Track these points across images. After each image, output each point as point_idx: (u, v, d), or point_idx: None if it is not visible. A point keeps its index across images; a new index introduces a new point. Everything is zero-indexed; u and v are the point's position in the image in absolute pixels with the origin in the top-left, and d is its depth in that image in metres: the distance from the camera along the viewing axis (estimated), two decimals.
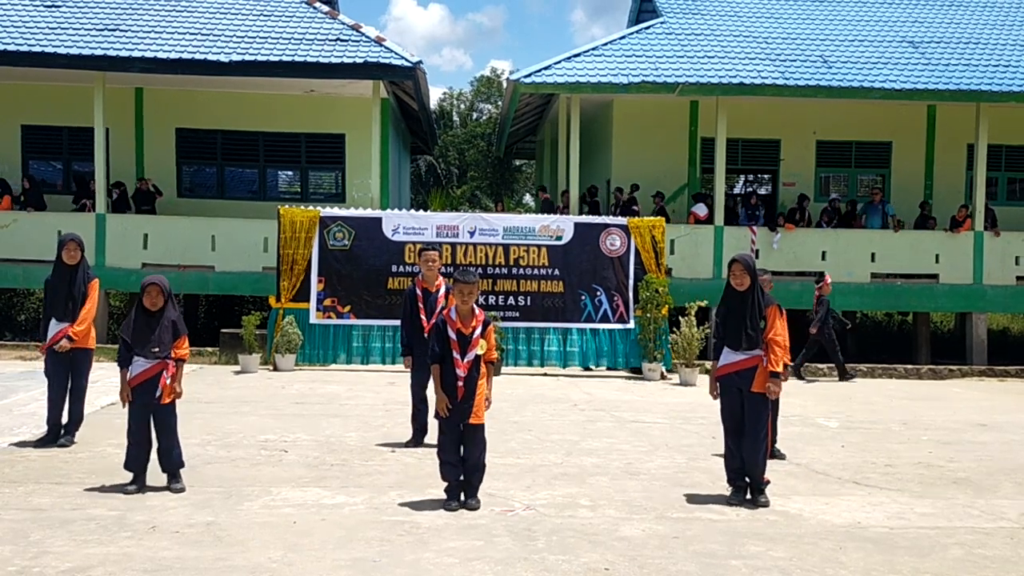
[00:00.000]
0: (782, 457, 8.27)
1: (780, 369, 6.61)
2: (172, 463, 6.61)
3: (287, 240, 14.42)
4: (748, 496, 6.66)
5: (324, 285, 14.46)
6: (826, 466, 8.08)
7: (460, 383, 6.26)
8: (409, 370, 8.39)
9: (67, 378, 8.09)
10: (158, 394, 6.53)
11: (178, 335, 6.65)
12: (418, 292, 8.33)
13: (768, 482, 6.73)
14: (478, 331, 6.35)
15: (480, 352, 6.33)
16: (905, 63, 18.06)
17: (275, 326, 14.14)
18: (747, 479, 6.68)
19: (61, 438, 8.01)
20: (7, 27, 17.01)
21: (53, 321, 8.04)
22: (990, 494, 7.20)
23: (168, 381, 6.56)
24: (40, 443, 7.98)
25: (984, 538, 5.93)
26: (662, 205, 17.87)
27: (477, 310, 6.45)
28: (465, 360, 6.29)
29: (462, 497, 6.31)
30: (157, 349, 6.52)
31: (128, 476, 6.58)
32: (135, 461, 6.56)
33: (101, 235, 16.86)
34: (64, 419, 8.12)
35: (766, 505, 6.55)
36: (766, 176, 21.55)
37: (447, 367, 6.31)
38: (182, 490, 6.50)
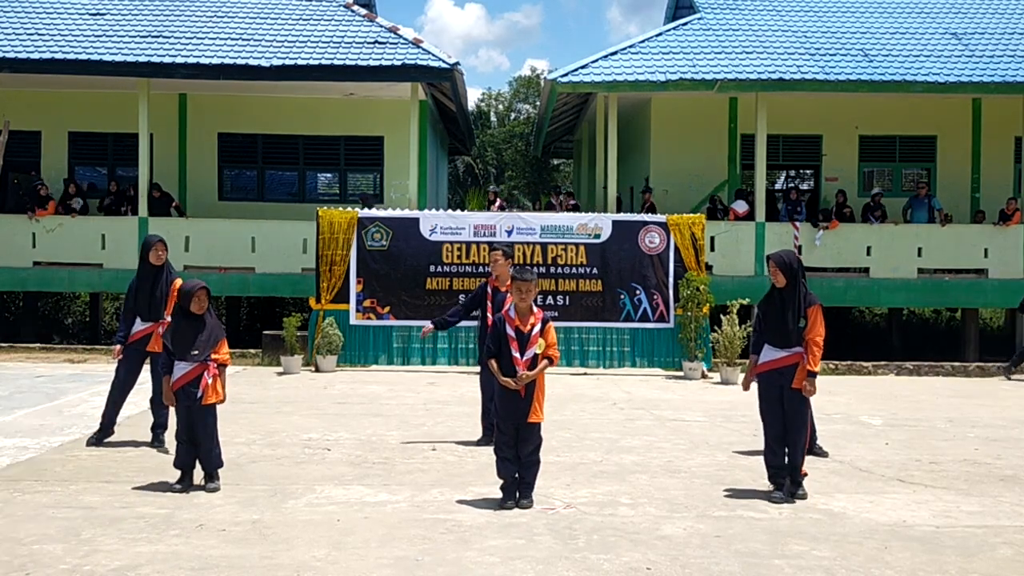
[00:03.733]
0: (824, 455, 8.20)
1: (818, 369, 6.63)
2: (210, 463, 6.71)
3: (326, 241, 14.53)
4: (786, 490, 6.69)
5: (363, 286, 14.56)
6: (870, 464, 7.98)
7: None
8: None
9: (135, 381, 8.29)
10: (199, 395, 6.63)
11: (218, 339, 6.75)
12: (488, 291, 8.37)
13: (806, 475, 6.75)
14: (536, 328, 6.38)
15: (538, 350, 6.37)
16: (948, 55, 17.75)
17: (316, 328, 14.28)
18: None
19: (153, 443, 8.14)
20: (54, 35, 17.39)
21: (138, 320, 8.20)
22: None
23: (209, 381, 6.65)
24: (93, 440, 8.14)
25: None
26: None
27: (536, 308, 6.48)
28: (524, 358, 6.32)
29: (517, 495, 6.35)
30: (197, 352, 6.64)
31: (177, 474, 6.72)
32: (182, 460, 6.70)
33: (143, 238, 17.11)
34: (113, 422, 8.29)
35: (803, 497, 6.58)
36: (808, 172, 21.32)
37: (505, 365, 6.35)
38: (216, 490, 6.59)
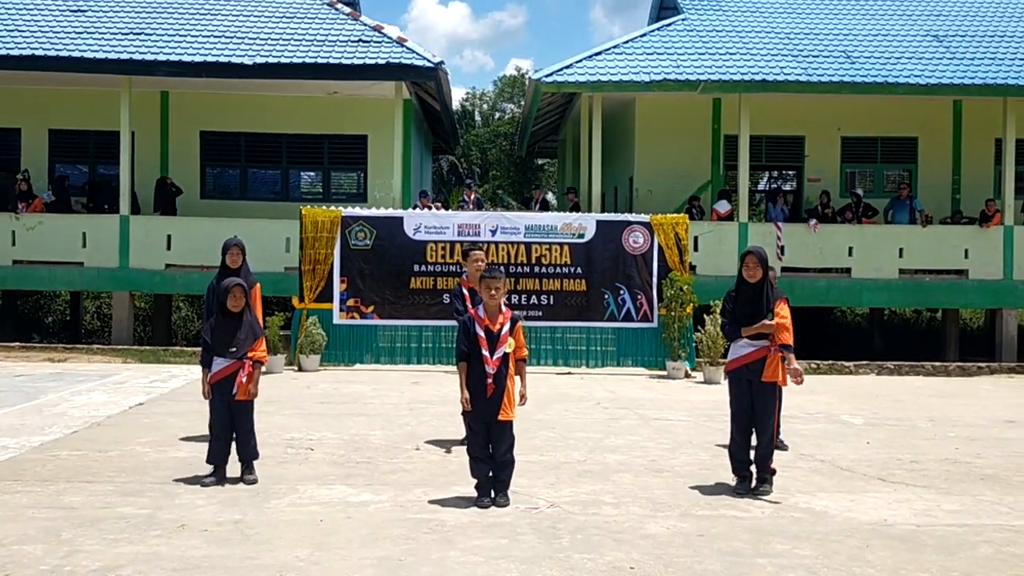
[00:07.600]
0: (784, 448, 8.33)
1: (790, 342, 6.72)
2: (248, 454, 6.90)
3: (309, 240, 14.49)
4: (753, 485, 6.80)
5: (347, 285, 14.52)
6: (851, 463, 8.03)
7: (490, 380, 6.29)
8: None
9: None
10: (234, 391, 6.81)
11: (256, 336, 6.95)
12: (464, 292, 8.31)
13: (775, 471, 6.84)
14: (506, 328, 6.39)
15: (508, 350, 6.36)
16: (930, 58, 17.88)
17: (299, 327, 14.22)
18: (752, 469, 6.84)
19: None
20: (34, 32, 17.24)
21: None
22: (1018, 491, 7.12)
23: (243, 380, 6.83)
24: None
25: (1013, 536, 5.87)
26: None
27: (504, 307, 6.49)
28: (494, 357, 6.31)
29: (492, 494, 6.34)
30: (235, 349, 6.81)
31: (208, 468, 6.85)
32: (216, 454, 6.82)
33: (125, 236, 17.02)
34: None
35: (768, 493, 6.69)
36: (791, 172, 21.41)
37: (476, 365, 6.33)
38: (255, 481, 6.76)
